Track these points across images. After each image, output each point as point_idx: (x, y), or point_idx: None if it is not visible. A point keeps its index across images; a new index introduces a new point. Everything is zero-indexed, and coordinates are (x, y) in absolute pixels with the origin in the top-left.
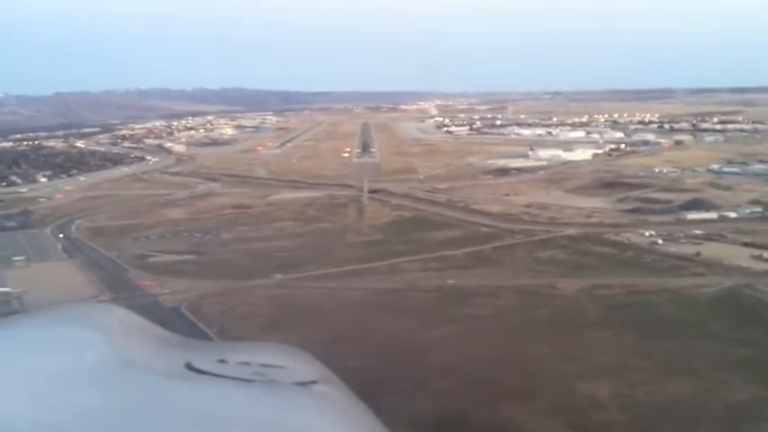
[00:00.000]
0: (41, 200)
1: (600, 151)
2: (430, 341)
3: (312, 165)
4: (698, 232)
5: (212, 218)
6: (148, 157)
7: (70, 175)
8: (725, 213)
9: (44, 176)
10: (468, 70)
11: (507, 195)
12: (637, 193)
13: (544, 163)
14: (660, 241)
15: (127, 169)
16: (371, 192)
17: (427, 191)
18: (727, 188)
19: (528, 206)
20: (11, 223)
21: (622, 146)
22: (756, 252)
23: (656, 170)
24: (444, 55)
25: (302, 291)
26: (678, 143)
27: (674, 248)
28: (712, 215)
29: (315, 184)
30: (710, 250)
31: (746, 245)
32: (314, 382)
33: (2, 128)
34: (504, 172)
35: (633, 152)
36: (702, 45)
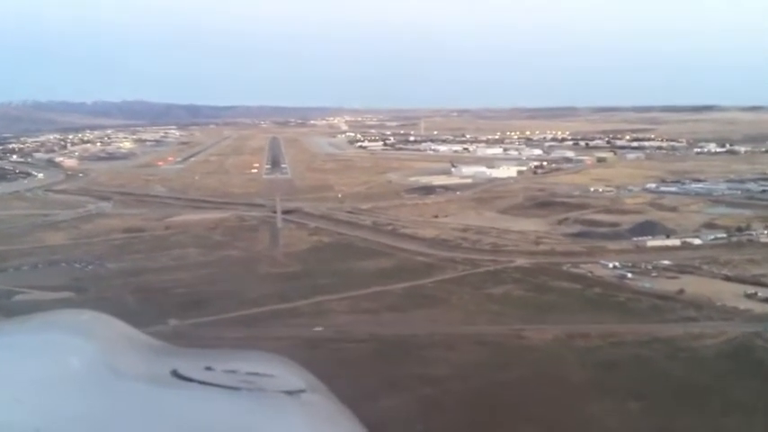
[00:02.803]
0: None
1: (524, 168)
2: (372, 419)
3: (217, 181)
4: (666, 263)
5: (98, 243)
6: (35, 173)
7: None
8: (687, 240)
9: None
10: (376, 87)
11: (436, 217)
12: (576, 214)
13: (469, 180)
14: (629, 275)
15: (9, 186)
16: (285, 212)
17: (348, 211)
18: (672, 209)
19: (464, 230)
20: None
21: (545, 163)
22: (749, 289)
23: (591, 189)
24: (352, 71)
25: (205, 343)
26: (601, 160)
27: (647, 284)
28: (674, 242)
29: (221, 203)
30: (692, 286)
31: (729, 279)
32: (302, 391)
33: None
34: (428, 190)
35: (558, 169)
36: (603, 64)
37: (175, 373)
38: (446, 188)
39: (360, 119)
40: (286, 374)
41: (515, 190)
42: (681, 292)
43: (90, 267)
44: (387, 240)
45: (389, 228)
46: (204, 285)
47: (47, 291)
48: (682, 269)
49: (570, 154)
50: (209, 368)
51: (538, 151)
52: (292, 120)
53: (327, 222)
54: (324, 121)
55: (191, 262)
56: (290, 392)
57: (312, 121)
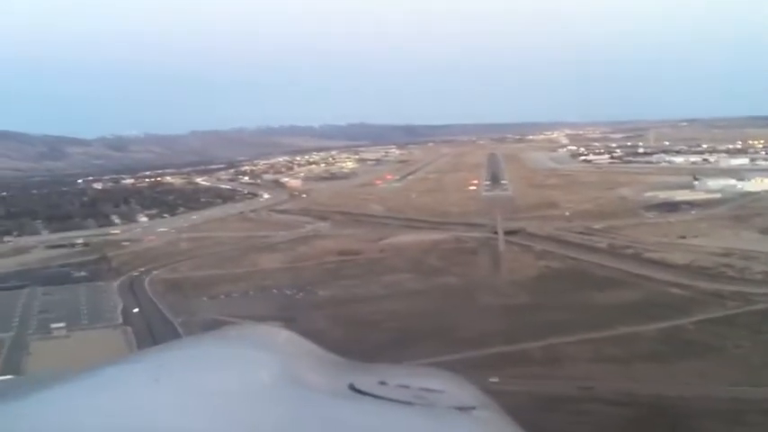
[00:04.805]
0: (126, 243)
1: None
2: None
3: (435, 200)
4: None
5: (312, 267)
6: (261, 193)
7: (175, 214)
8: None
9: (146, 216)
10: (596, 98)
11: (684, 238)
12: None
13: (717, 195)
14: None
15: (236, 207)
16: (507, 233)
17: (579, 232)
18: None
19: (724, 254)
20: (80, 273)
21: None
22: None
23: None
24: (569, 82)
25: None
26: None
27: None
28: None
29: (438, 222)
30: None
31: None
32: (472, 408)
33: (133, 165)
34: (671, 207)
35: None
36: None
37: (352, 387)
38: (691, 204)
39: (581, 132)
40: (457, 391)
41: None
42: None
43: (301, 294)
44: (628, 267)
45: (630, 251)
46: (418, 319)
47: (254, 320)
48: None
49: None
50: (383, 383)
51: None
52: (509, 136)
53: (555, 245)
54: (542, 136)
55: (405, 290)
56: (461, 409)
57: (530, 137)
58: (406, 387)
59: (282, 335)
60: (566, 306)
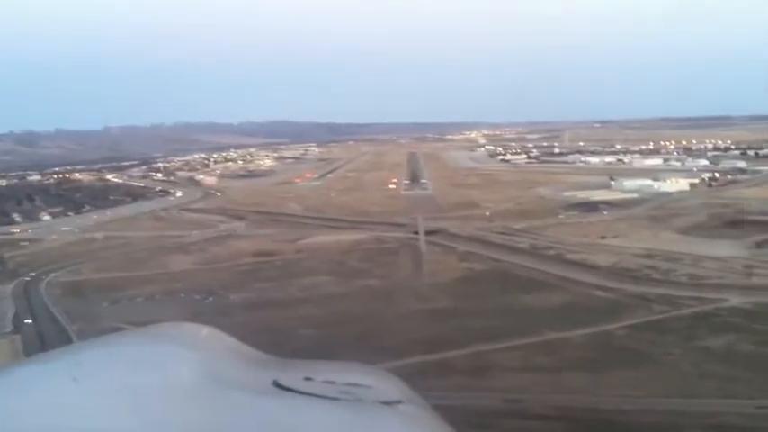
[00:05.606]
0: (25, 243)
1: (696, 180)
2: None
3: (355, 199)
4: None
5: (224, 269)
6: (174, 191)
7: (80, 212)
8: None
9: (50, 214)
10: (512, 100)
11: (604, 238)
12: None
13: (634, 195)
14: None
15: (146, 205)
16: (428, 233)
17: (500, 232)
18: None
19: (646, 255)
20: None
21: (716, 174)
22: None
23: None
24: (487, 85)
25: None
26: None
27: None
28: None
29: (358, 222)
30: None
31: None
32: (399, 402)
33: (43, 162)
34: (589, 207)
35: (734, 182)
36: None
37: (276, 384)
38: (609, 204)
39: (498, 132)
40: (383, 386)
41: (693, 206)
42: None
43: (210, 299)
44: (551, 269)
45: (552, 252)
46: (335, 325)
47: None
48: None
49: (742, 164)
50: (308, 379)
51: (703, 161)
52: (429, 135)
53: (477, 245)
54: (461, 136)
55: (322, 293)
56: (387, 403)
57: (449, 136)
58: (332, 383)
59: (204, 331)
60: (490, 310)
